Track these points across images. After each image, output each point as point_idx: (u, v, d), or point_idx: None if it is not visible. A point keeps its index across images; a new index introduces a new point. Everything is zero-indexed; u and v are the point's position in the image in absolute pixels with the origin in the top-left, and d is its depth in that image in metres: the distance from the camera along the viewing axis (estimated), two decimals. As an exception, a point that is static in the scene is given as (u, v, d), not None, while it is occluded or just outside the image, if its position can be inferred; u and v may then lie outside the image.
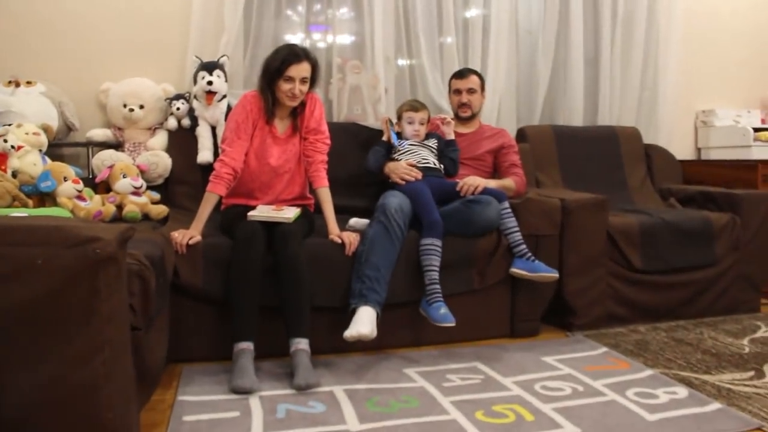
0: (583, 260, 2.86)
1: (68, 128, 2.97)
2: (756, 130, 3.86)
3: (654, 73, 3.97)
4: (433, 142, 2.95)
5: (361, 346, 2.44)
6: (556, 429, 1.91)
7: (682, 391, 2.21)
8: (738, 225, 3.21)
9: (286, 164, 2.60)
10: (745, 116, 4.12)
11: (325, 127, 2.65)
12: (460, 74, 3.14)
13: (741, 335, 2.89)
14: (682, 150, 4.12)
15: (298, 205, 2.61)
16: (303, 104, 2.60)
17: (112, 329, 1.58)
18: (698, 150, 4.23)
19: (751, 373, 2.41)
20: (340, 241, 2.46)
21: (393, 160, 2.87)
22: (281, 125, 2.61)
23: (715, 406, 2.09)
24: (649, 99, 3.99)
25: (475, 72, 3.15)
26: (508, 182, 2.92)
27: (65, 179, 2.48)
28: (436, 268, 2.50)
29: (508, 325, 2.81)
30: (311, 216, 2.63)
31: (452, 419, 1.96)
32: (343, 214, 2.71)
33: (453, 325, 2.42)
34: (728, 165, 3.79)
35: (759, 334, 2.92)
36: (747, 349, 2.69)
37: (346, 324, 2.31)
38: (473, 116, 3.12)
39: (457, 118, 3.13)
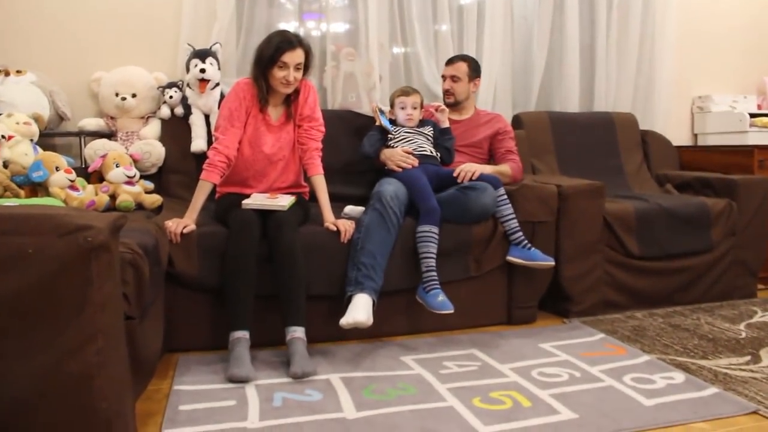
0: (580, 247, 2.86)
1: (60, 118, 2.94)
2: (752, 115, 3.85)
3: (650, 59, 3.95)
4: (428, 130, 2.94)
5: (357, 334, 2.44)
6: (554, 415, 1.91)
7: (679, 377, 2.21)
8: (734, 210, 3.21)
9: (280, 152, 2.58)
10: (741, 101, 4.11)
11: (319, 115, 2.63)
12: (449, 61, 3.13)
13: (737, 320, 2.89)
14: (678, 136, 4.10)
15: (292, 193, 2.59)
16: (297, 91, 2.57)
17: (106, 318, 1.57)
18: (695, 136, 4.22)
19: (748, 358, 2.41)
20: (335, 228, 2.44)
21: (389, 147, 2.85)
22: (275, 113, 2.58)
23: (712, 390, 2.09)
24: (645, 85, 3.97)
25: (465, 59, 3.11)
26: (505, 168, 2.90)
27: (57, 169, 2.46)
28: (433, 256, 2.49)
29: (505, 312, 2.80)
30: (306, 204, 2.61)
31: (449, 406, 1.96)
32: (338, 201, 2.69)
33: (451, 312, 2.42)
34: (725, 150, 3.78)
35: (755, 319, 2.92)
36: (743, 334, 2.69)
37: (343, 312, 2.30)
38: (457, 103, 3.09)
39: (453, 103, 3.11)
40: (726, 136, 3.94)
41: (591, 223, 2.87)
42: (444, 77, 3.10)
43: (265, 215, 2.37)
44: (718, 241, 3.16)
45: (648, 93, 3.97)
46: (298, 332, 2.21)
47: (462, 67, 3.06)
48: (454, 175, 2.69)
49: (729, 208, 3.20)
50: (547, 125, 3.58)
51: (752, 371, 2.28)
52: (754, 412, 1.96)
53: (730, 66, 4.28)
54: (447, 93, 3.08)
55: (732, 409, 1.96)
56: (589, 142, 3.64)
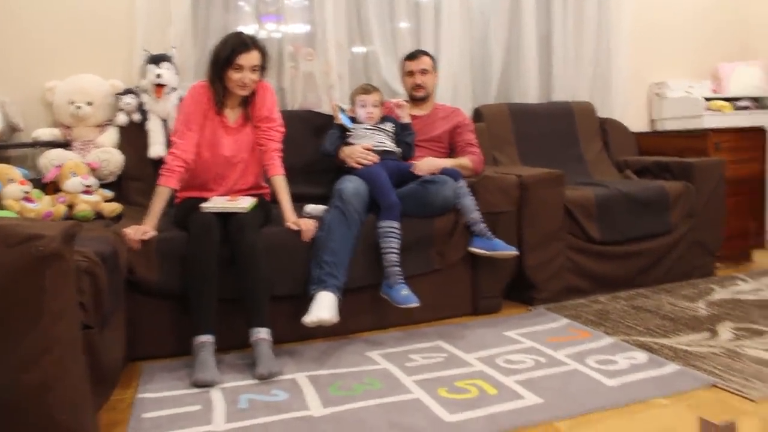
0: (542, 235, 2.89)
1: (12, 129, 2.89)
2: (707, 100, 3.94)
3: (606, 48, 4.01)
4: (388, 126, 2.95)
5: (323, 332, 2.44)
6: (519, 400, 1.93)
7: (641, 356, 2.26)
8: (692, 192, 3.28)
9: (239, 154, 2.57)
10: (696, 87, 4.20)
11: (277, 115, 2.62)
12: (412, 56, 3.14)
13: (697, 298, 2.96)
14: (636, 122, 4.18)
15: (253, 195, 2.58)
16: (254, 93, 2.56)
17: (62, 328, 1.55)
18: (652, 122, 4.29)
19: (707, 334, 2.47)
20: (296, 227, 2.44)
21: (349, 144, 2.86)
22: (232, 115, 2.57)
23: (673, 367, 2.14)
24: (603, 74, 4.03)
25: (426, 53, 3.15)
26: (464, 161, 2.93)
27: (11, 181, 2.42)
28: (396, 251, 2.50)
29: (470, 303, 2.83)
30: (267, 205, 2.60)
31: (415, 398, 1.97)
32: (301, 201, 2.69)
33: (416, 305, 2.43)
34: (681, 135, 3.85)
35: (713, 296, 2.99)
36: (702, 312, 2.75)
37: (307, 311, 2.30)
38: (427, 97, 3.12)
39: (412, 99, 3.13)
40: (683, 121, 4.02)
41: (552, 211, 2.91)
42: (412, 72, 3.11)
43: (226, 218, 2.36)
44: (677, 223, 3.23)
45: (605, 81, 4.04)
46: (262, 333, 2.20)
47: (428, 61, 3.10)
48: (412, 171, 2.70)
49: (686, 190, 3.27)
50: (507, 117, 3.62)
51: (711, 346, 2.34)
52: (713, 386, 2.01)
53: (685, 53, 4.37)
54: (418, 87, 3.10)
55: (692, 384, 2.02)
56: (549, 132, 3.68)
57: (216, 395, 2.02)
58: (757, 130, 3.69)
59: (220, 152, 2.53)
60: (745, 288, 3.12)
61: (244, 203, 2.41)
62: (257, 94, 2.57)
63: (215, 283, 2.24)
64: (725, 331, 2.49)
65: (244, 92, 2.50)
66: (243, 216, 2.35)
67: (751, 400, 1.91)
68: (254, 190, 2.65)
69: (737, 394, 1.95)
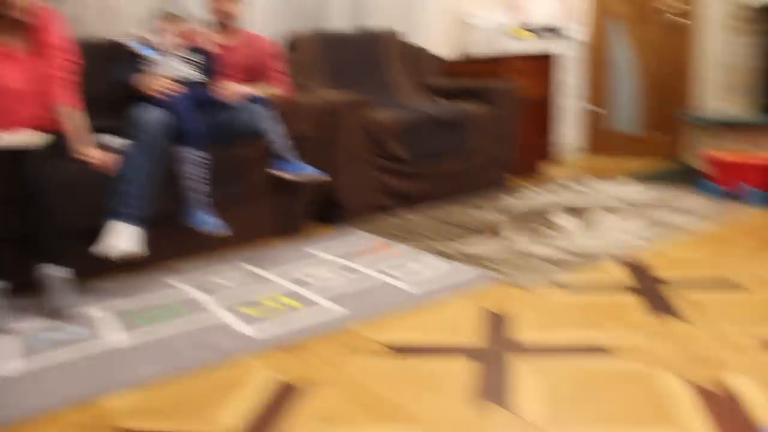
0: (349, 157, 3.01)
1: None
2: (511, 28, 4.23)
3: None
4: (193, 55, 2.85)
5: (125, 265, 2.37)
6: (323, 311, 2.05)
7: (439, 263, 2.48)
8: (491, 114, 3.55)
9: (25, 85, 2.36)
10: (500, 16, 4.47)
11: (65, 43, 2.44)
12: None
13: (489, 208, 3.28)
14: (445, 49, 4.38)
15: (43, 129, 2.41)
16: (38, 19, 2.36)
17: None
18: (461, 48, 4.52)
19: (493, 237, 2.77)
20: (88, 158, 2.33)
21: (149, 74, 2.73)
22: (12, 42, 2.35)
23: (466, 269, 2.39)
24: (414, 1, 4.16)
25: None
26: (272, 88, 2.93)
27: None
28: (201, 178, 2.50)
29: (278, 226, 2.89)
30: (59, 138, 2.44)
31: (220, 319, 2.03)
32: (99, 133, 2.56)
33: (221, 230, 2.46)
34: (487, 61, 4.11)
35: (504, 204, 3.34)
36: (490, 218, 3.08)
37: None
38: (235, 25, 3.04)
39: (219, 28, 3.04)
40: (488, 47, 4.28)
41: (358, 134, 3.03)
42: None
43: (13, 154, 2.19)
44: (476, 142, 3.51)
45: (417, 9, 4.19)
46: (56, 270, 2.11)
47: None
48: (217, 96, 2.67)
49: (486, 112, 3.54)
50: (317, 45, 3.62)
51: (494, 247, 2.63)
52: (495, 280, 2.29)
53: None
54: (225, 15, 3.00)
55: (482, 282, 2.27)
56: (360, 60, 3.76)
57: (7, 339, 1.93)
58: (545, 57, 4.05)
59: (2, 84, 2.32)
60: (531, 195, 3.52)
61: (31, 138, 2.25)
62: (41, 20, 2.37)
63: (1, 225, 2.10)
64: (511, 234, 2.80)
65: (14, 14, 2.28)
66: (30, 150, 2.20)
67: (528, 290, 2.19)
68: (44, 123, 2.46)
69: (517, 286, 2.23)
